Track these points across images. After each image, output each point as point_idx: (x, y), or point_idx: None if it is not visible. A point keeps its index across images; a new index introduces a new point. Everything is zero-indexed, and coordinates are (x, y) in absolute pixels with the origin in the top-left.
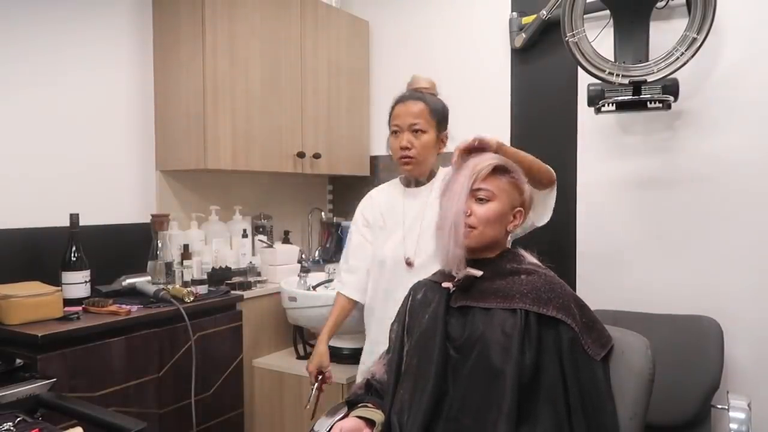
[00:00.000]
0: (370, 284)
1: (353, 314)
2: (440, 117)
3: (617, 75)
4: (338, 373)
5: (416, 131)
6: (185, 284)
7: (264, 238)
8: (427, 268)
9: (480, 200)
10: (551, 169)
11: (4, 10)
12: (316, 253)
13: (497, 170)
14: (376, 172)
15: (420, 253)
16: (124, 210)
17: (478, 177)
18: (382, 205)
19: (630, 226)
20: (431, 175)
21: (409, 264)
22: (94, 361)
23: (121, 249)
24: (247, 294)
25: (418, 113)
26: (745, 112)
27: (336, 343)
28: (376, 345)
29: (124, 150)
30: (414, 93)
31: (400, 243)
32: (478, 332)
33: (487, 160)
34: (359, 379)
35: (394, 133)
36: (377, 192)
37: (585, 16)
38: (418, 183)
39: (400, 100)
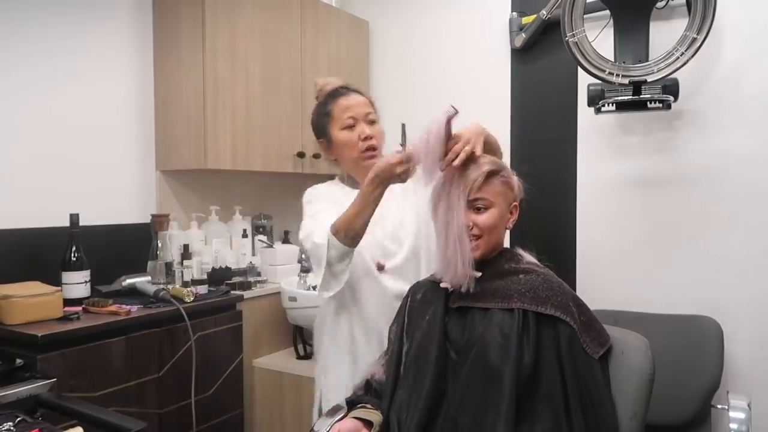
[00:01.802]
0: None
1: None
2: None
3: (617, 75)
4: None
5: (371, 121)
6: (185, 284)
7: (264, 238)
8: (396, 272)
9: (478, 209)
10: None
11: (4, 11)
12: None
13: (490, 174)
14: None
15: (390, 256)
16: (124, 210)
17: (473, 188)
18: (339, 206)
19: (630, 226)
20: None
21: (380, 268)
22: (94, 361)
23: (121, 249)
24: (247, 294)
25: (366, 102)
26: (746, 112)
27: None
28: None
29: (124, 150)
30: (349, 86)
31: (368, 246)
32: (477, 333)
33: (479, 167)
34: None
35: (349, 127)
36: (323, 190)
37: (585, 16)
38: None
39: (340, 94)
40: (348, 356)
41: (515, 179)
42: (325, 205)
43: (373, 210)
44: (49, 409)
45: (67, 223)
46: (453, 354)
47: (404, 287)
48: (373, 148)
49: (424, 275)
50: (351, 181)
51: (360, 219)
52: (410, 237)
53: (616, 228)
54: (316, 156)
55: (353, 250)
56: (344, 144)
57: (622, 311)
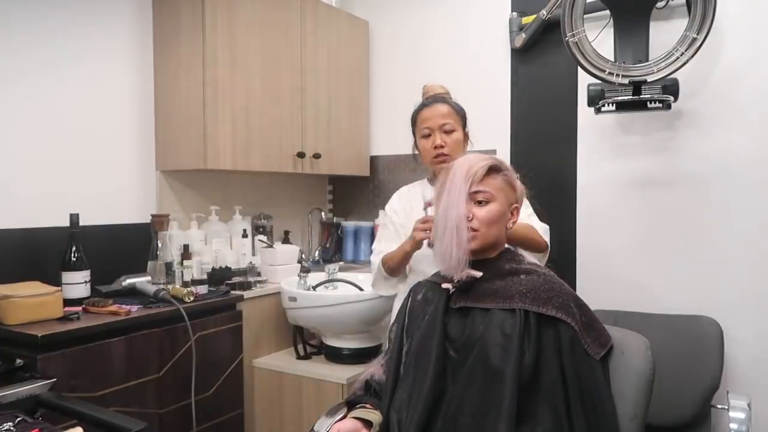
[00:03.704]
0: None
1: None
2: (463, 116)
3: (617, 75)
4: (338, 373)
5: (447, 131)
6: (185, 284)
7: (264, 238)
8: None
9: (479, 203)
10: (544, 240)
11: (3, 11)
12: (316, 253)
13: (491, 170)
14: (376, 172)
15: None
16: (124, 210)
17: (475, 179)
18: (413, 201)
19: (630, 227)
20: None
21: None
22: (94, 361)
23: (121, 249)
24: (247, 294)
25: (447, 114)
26: (745, 112)
27: (336, 343)
28: None
29: (124, 150)
30: (437, 97)
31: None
32: (478, 333)
33: (481, 160)
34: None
35: (425, 136)
36: (405, 190)
37: (585, 16)
38: None
39: (425, 105)
40: None
41: (519, 183)
42: (389, 233)
43: (403, 259)
44: (49, 409)
45: (67, 223)
46: (452, 352)
47: None
48: (443, 155)
49: None
50: (433, 179)
51: (393, 262)
52: None
53: (616, 228)
54: (316, 156)
55: (393, 278)
56: (422, 150)
57: (622, 311)
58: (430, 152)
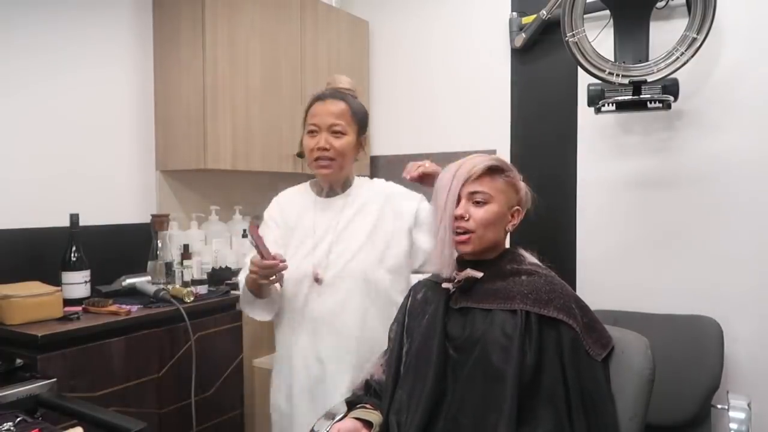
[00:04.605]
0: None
1: None
2: (361, 119)
3: (617, 75)
4: None
5: (335, 132)
6: (185, 284)
7: None
8: (336, 285)
9: (477, 203)
10: None
11: (4, 12)
12: None
13: (492, 170)
14: (376, 172)
15: (330, 268)
16: (124, 210)
17: (470, 178)
18: (292, 214)
19: (630, 226)
20: (347, 184)
21: (317, 280)
22: (94, 361)
23: (121, 249)
24: None
25: (339, 113)
26: (745, 112)
27: None
28: (279, 362)
29: (124, 150)
30: (335, 92)
31: (307, 257)
32: (479, 333)
33: (481, 161)
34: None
35: (310, 132)
36: (285, 198)
37: (585, 16)
38: (331, 193)
39: (320, 98)
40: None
41: (523, 185)
42: (269, 230)
43: (260, 288)
44: (49, 409)
45: (67, 223)
46: (452, 351)
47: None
48: (327, 159)
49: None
50: (315, 185)
51: (254, 285)
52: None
53: (616, 228)
54: None
55: (260, 299)
56: (304, 147)
57: (622, 311)
58: (312, 152)
